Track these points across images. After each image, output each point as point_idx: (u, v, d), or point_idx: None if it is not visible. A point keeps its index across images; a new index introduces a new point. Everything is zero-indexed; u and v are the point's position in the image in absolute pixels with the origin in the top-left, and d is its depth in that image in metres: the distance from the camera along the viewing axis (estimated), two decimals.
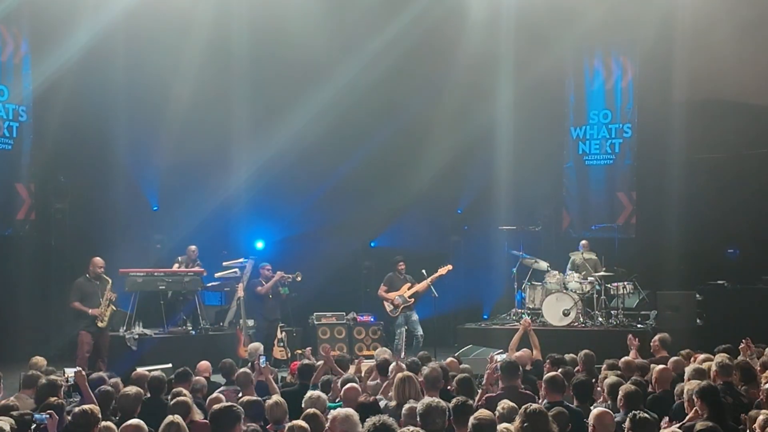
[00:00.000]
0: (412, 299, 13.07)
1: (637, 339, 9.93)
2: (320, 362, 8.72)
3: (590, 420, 5.53)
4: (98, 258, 11.60)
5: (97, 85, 14.44)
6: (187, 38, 14.80)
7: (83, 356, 11.10)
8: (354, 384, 7.10)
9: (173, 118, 14.89)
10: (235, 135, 15.86)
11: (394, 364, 7.90)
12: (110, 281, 11.61)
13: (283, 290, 13.02)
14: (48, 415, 5.46)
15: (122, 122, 14.79)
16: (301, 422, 5.57)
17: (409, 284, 13.12)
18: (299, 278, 13.29)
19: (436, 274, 13.09)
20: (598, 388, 7.56)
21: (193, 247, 13.39)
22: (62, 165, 14.56)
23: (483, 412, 5.25)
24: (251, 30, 15.45)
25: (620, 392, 6.35)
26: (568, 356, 9.02)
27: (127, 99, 14.72)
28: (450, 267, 13.21)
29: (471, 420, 5.15)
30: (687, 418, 5.91)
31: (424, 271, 13.19)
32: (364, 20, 15.47)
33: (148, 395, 7.18)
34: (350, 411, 5.35)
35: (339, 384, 7.47)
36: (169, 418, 5.50)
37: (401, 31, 15.42)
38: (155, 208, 15.37)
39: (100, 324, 11.32)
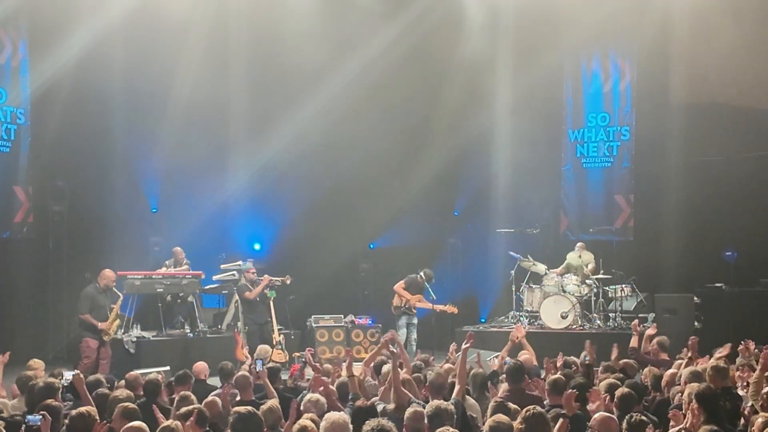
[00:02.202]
0: (415, 311, 13.22)
1: (642, 326, 9.92)
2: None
3: (594, 425, 5.48)
4: (110, 271, 11.63)
5: (96, 88, 14.43)
6: (185, 41, 14.82)
7: (90, 362, 11.14)
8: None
9: (171, 120, 14.89)
10: (234, 137, 15.87)
11: (388, 366, 7.88)
12: (121, 297, 11.72)
13: (270, 293, 12.88)
14: (41, 416, 5.42)
15: (120, 125, 14.78)
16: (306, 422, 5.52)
17: (420, 297, 13.21)
18: (288, 281, 13.22)
19: (443, 307, 13.19)
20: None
21: (178, 249, 13.36)
22: (60, 168, 14.55)
23: (501, 417, 5.20)
24: (249, 33, 15.49)
25: (616, 394, 6.32)
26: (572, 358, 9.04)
27: (126, 102, 14.71)
28: (455, 311, 13.33)
29: (489, 422, 5.11)
30: (684, 421, 5.88)
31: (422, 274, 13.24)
32: (362, 24, 15.48)
33: (144, 398, 7.15)
34: (344, 416, 5.31)
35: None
36: (167, 422, 5.47)
37: (399, 35, 15.44)
38: (154, 210, 15.36)
39: (105, 338, 11.40)
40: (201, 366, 9.01)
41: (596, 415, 5.57)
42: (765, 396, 6.10)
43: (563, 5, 15.13)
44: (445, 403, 5.58)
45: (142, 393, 7.46)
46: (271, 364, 8.86)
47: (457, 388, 6.54)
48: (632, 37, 15.67)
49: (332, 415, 5.28)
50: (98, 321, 11.33)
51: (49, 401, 6.23)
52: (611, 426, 5.43)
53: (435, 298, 13.18)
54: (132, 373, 8.50)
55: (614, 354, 9.23)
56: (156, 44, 14.61)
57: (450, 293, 14.62)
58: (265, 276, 12.83)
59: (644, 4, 15.13)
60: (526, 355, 9.28)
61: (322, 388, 6.95)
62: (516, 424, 5.14)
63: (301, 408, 6.45)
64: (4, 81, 13.83)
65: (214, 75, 15.21)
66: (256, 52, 15.58)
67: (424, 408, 5.67)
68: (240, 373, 8.03)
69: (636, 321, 10.18)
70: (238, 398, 7.44)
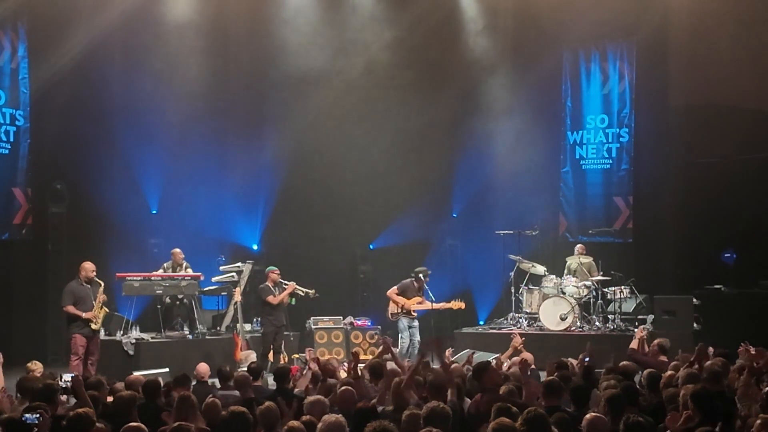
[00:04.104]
0: (415, 313, 13.02)
1: (644, 330, 9.93)
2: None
3: (583, 425, 5.50)
4: (89, 263, 11.53)
5: (95, 90, 14.47)
6: (185, 43, 14.83)
7: (78, 359, 11.09)
8: (350, 387, 7.04)
9: (171, 122, 14.91)
10: (233, 139, 15.86)
11: (390, 367, 7.88)
12: (102, 284, 11.56)
13: (290, 300, 12.88)
14: (38, 415, 5.41)
15: (120, 126, 14.80)
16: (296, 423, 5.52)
17: (419, 299, 13.00)
18: (312, 295, 13.14)
19: (448, 305, 13.12)
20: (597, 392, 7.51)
21: (177, 250, 13.29)
22: (59, 169, 14.54)
23: (503, 420, 5.19)
24: (249, 34, 15.51)
25: (603, 397, 6.30)
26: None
27: (125, 103, 14.73)
28: (463, 306, 13.25)
29: (492, 425, 5.07)
30: (680, 422, 5.89)
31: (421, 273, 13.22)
32: (362, 25, 15.53)
33: (144, 400, 7.14)
34: (341, 417, 5.32)
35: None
36: (175, 423, 5.48)
37: (398, 37, 15.50)
38: (154, 212, 15.34)
39: (93, 326, 11.30)
40: (203, 367, 9.02)
41: (587, 416, 5.60)
42: (764, 396, 6.10)
43: (562, 7, 15.15)
44: (441, 404, 5.57)
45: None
46: (281, 364, 8.87)
47: (449, 390, 6.53)
48: (631, 38, 15.69)
49: (328, 417, 5.29)
50: (83, 312, 11.19)
51: (37, 403, 6.19)
52: (599, 426, 5.46)
53: (434, 298, 13.16)
54: (132, 376, 8.49)
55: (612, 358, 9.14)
56: (155, 46, 14.64)
57: (449, 294, 14.61)
58: (291, 283, 12.67)
59: (643, 5, 15.15)
60: (528, 357, 9.25)
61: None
62: (517, 425, 5.14)
63: (304, 410, 6.44)
64: (3, 83, 13.83)
65: (214, 76, 15.24)
66: (255, 54, 15.61)
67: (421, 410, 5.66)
68: (240, 373, 8.04)
69: (641, 327, 10.20)
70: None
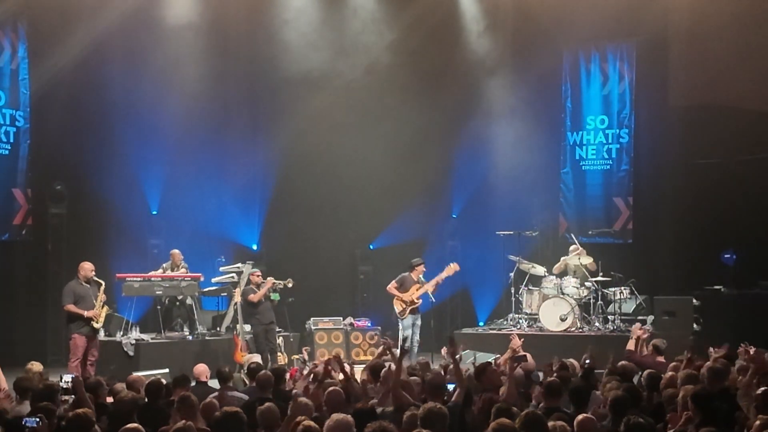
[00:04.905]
0: (420, 300, 12.97)
1: (642, 330, 9.93)
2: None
3: (574, 426, 5.50)
4: (87, 263, 11.54)
5: (95, 90, 14.47)
6: (185, 44, 14.83)
7: (77, 360, 11.08)
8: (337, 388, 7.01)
9: (171, 122, 14.91)
10: (233, 139, 15.86)
11: (386, 368, 7.86)
12: (103, 284, 11.56)
13: (274, 296, 12.85)
14: (38, 419, 5.40)
15: (120, 127, 14.79)
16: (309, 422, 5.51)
17: (417, 285, 12.96)
18: (290, 284, 13.18)
19: (444, 274, 13.02)
20: (597, 393, 7.50)
21: (176, 252, 13.32)
22: (59, 170, 14.55)
23: (503, 420, 5.19)
24: (249, 36, 15.51)
25: (609, 398, 6.30)
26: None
27: (125, 104, 14.73)
28: (457, 267, 13.13)
29: (492, 426, 5.07)
30: (680, 423, 5.89)
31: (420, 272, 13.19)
32: (363, 27, 15.54)
33: (146, 400, 7.15)
34: (348, 417, 5.32)
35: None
36: (180, 423, 5.49)
37: (398, 39, 15.49)
38: (154, 212, 15.34)
39: (95, 325, 11.29)
40: (202, 368, 9.03)
41: (577, 417, 5.60)
42: (760, 396, 6.10)
43: (562, 8, 15.16)
44: (438, 405, 5.55)
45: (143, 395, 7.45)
46: (275, 366, 8.88)
47: (457, 391, 6.52)
48: (631, 39, 15.69)
49: (336, 415, 5.29)
50: (84, 311, 11.18)
51: (42, 404, 6.20)
52: (588, 426, 5.46)
53: (433, 300, 13.13)
54: (133, 375, 8.49)
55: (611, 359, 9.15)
56: (155, 46, 14.64)
57: (448, 295, 14.62)
58: (269, 279, 12.76)
59: (643, 5, 15.14)
60: (529, 359, 9.24)
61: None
62: (516, 426, 5.14)
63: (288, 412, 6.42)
64: (3, 83, 13.83)
65: (215, 77, 15.24)
66: (255, 55, 15.61)
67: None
68: (263, 372, 8.02)
69: (637, 324, 10.18)
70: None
